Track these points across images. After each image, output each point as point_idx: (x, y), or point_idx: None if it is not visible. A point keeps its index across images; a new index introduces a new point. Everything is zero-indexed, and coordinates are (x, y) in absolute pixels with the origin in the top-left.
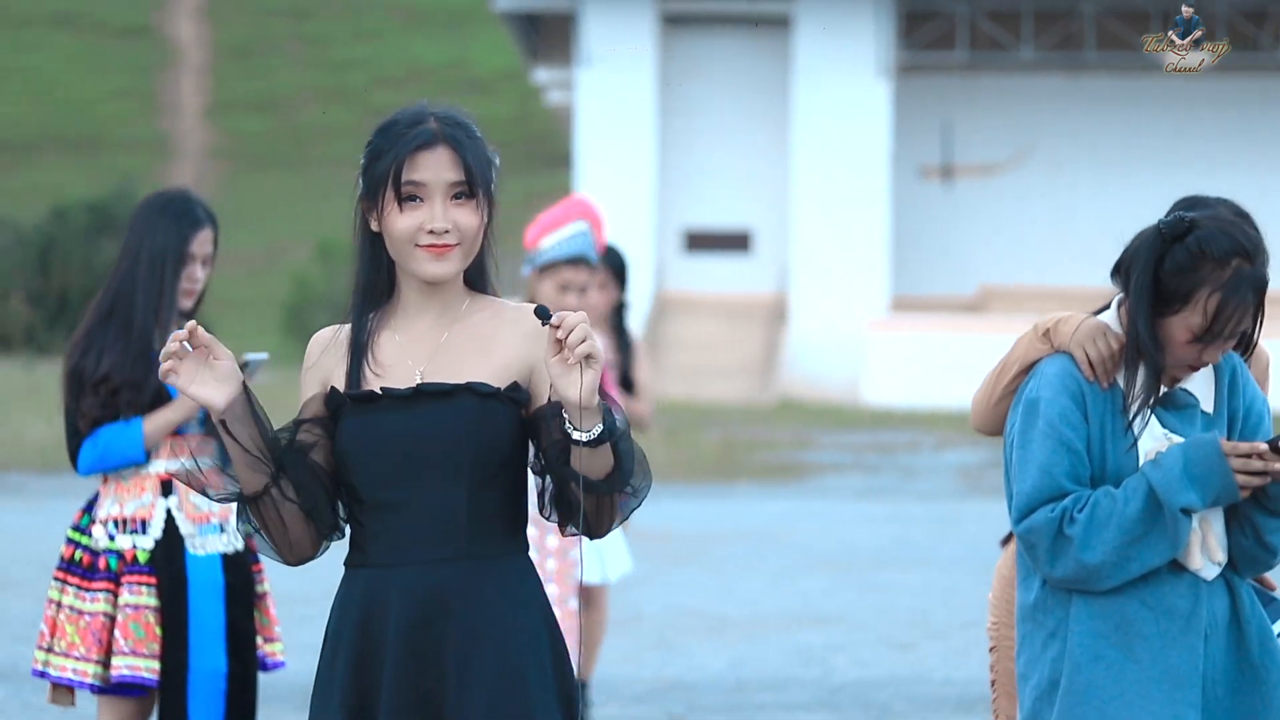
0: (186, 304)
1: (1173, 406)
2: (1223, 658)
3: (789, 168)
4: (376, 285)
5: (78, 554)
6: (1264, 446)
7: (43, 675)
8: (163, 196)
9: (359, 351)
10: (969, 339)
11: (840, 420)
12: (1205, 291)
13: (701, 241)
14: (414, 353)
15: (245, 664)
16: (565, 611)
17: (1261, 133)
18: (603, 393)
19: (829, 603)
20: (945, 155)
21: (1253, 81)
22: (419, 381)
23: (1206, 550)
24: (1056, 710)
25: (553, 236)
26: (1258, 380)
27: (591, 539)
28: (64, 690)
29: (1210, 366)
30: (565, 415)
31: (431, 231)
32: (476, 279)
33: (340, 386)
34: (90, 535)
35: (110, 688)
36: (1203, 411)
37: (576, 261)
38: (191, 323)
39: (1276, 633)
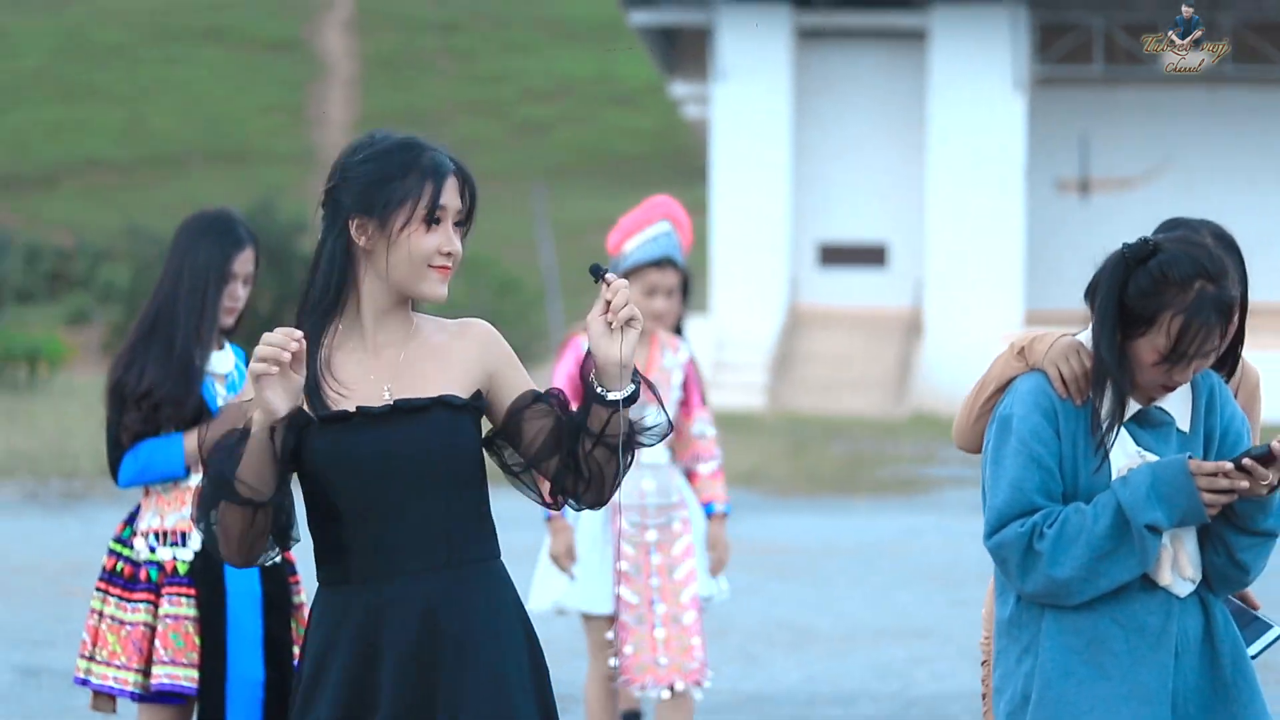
0: (228, 321)
1: (1148, 424)
2: (1195, 675)
3: (924, 181)
4: (326, 302)
5: (119, 565)
6: (1229, 465)
7: (84, 683)
8: (206, 216)
9: (316, 369)
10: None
11: None
12: (1169, 314)
13: (836, 255)
14: (377, 370)
15: (282, 672)
16: (678, 629)
17: None
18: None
19: (920, 617)
20: (1082, 168)
21: None
22: (393, 399)
23: (1177, 567)
24: None
25: (636, 239)
26: (1248, 397)
27: (595, 508)
28: (105, 698)
29: (1188, 385)
30: (594, 380)
31: (448, 254)
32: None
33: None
34: (131, 547)
35: (150, 696)
36: (1179, 430)
37: (662, 263)
38: (299, 334)
39: (1263, 648)
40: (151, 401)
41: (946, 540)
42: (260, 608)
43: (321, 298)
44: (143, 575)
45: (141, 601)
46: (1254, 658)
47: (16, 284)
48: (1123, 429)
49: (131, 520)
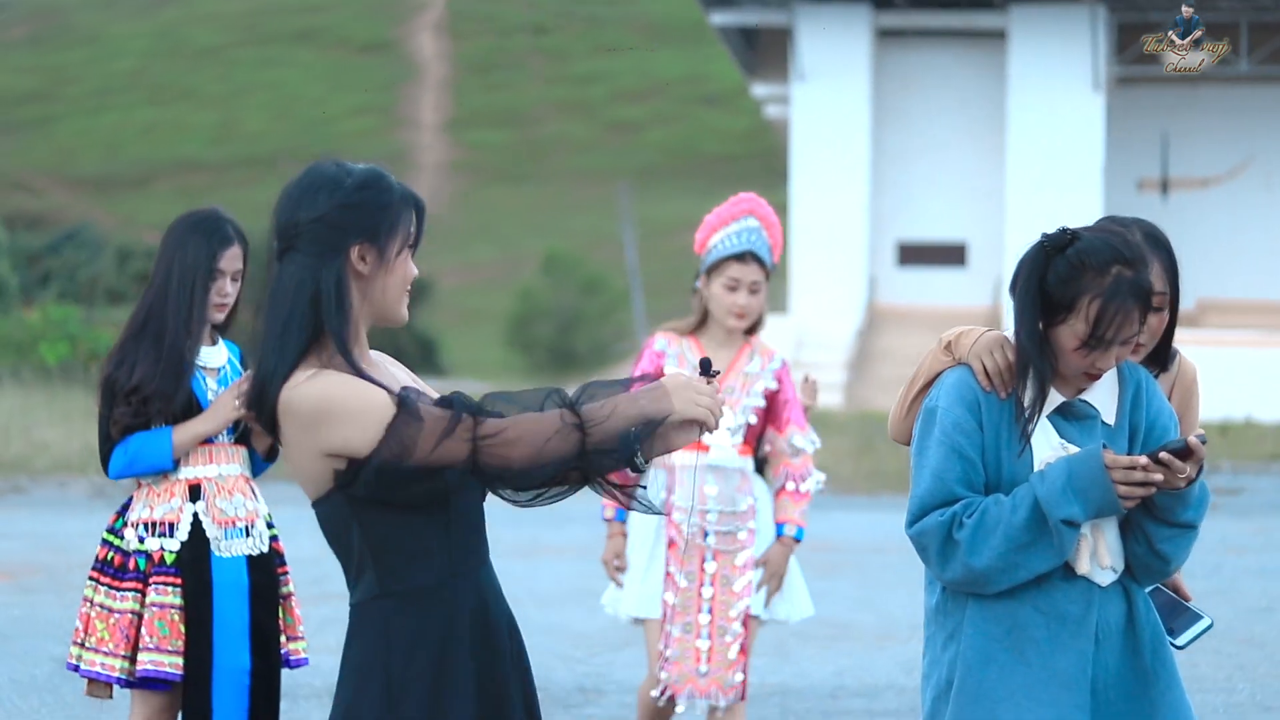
0: (218, 317)
1: (1072, 417)
2: (1116, 662)
3: (1003, 180)
4: (347, 333)
5: (110, 555)
6: (1145, 460)
7: (75, 669)
8: (194, 215)
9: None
10: (1182, 352)
11: None
12: (1087, 298)
13: (915, 254)
14: (389, 382)
15: (269, 661)
16: (722, 642)
17: None
18: None
19: None
20: (1162, 168)
21: None
22: None
23: (1096, 557)
24: (949, 710)
25: (720, 234)
26: (1186, 391)
27: (508, 500)
28: (100, 684)
29: (1115, 380)
30: (639, 444)
31: (411, 280)
32: None
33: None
34: (122, 537)
35: (136, 682)
36: (1104, 423)
37: (745, 257)
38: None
39: (1193, 638)
40: (141, 395)
41: None
42: (247, 598)
43: (344, 322)
44: (131, 565)
45: (130, 590)
46: (1183, 647)
47: (108, 284)
48: (1047, 421)
49: (124, 511)
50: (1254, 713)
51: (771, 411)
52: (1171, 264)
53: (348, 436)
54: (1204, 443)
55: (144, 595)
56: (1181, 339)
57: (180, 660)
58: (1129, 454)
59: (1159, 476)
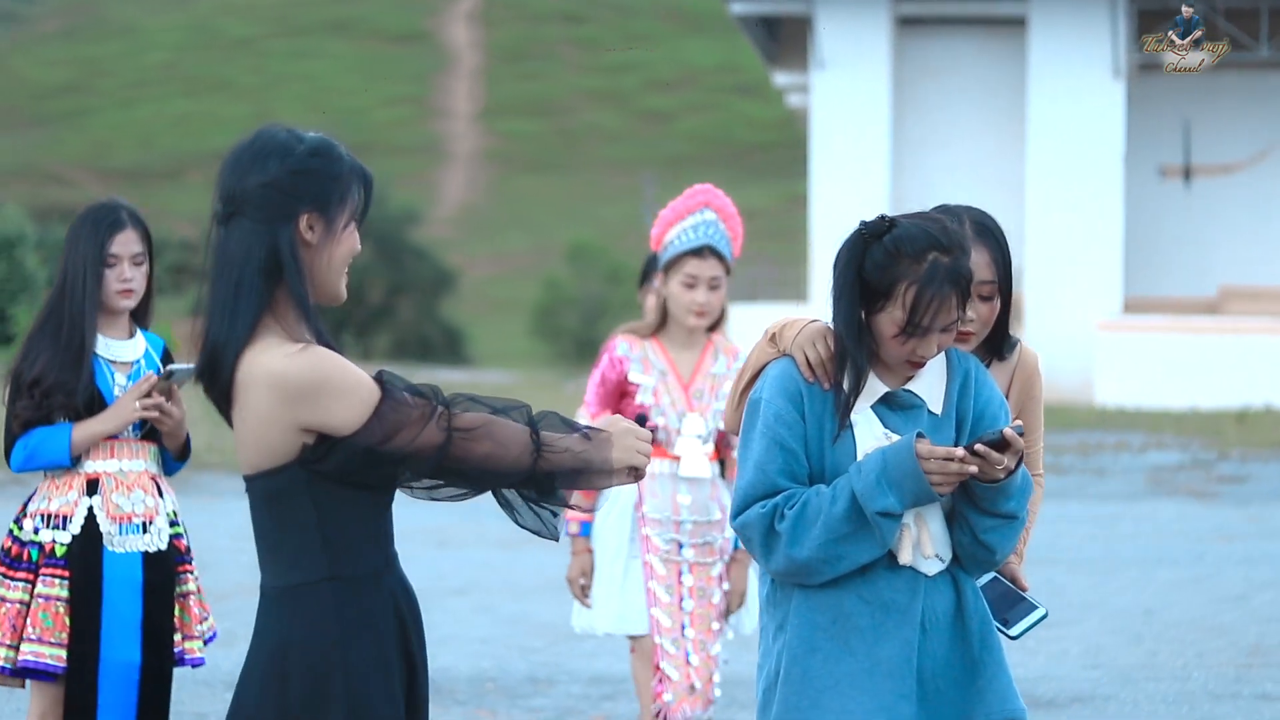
0: (123, 304)
1: (897, 406)
2: (945, 651)
3: (1024, 169)
4: (309, 304)
5: (10, 545)
6: (961, 451)
7: None
8: (89, 207)
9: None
10: (1202, 340)
11: (1063, 420)
12: (903, 285)
13: None
14: None
15: (161, 658)
16: (706, 656)
17: None
18: None
19: None
20: (1184, 155)
21: None
22: None
23: (920, 547)
24: (777, 700)
25: (676, 229)
26: (1026, 380)
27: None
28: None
29: (944, 369)
30: (582, 493)
31: (354, 255)
32: None
33: None
34: (22, 528)
35: (19, 671)
36: (930, 412)
37: (702, 252)
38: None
39: (1027, 628)
40: (42, 389)
41: None
42: (140, 593)
43: (306, 293)
44: (25, 555)
45: (20, 580)
46: (1017, 638)
47: None
48: (871, 411)
49: (29, 503)
50: (1204, 701)
51: None
52: (1002, 253)
53: (334, 413)
54: (1021, 434)
55: (34, 586)
56: (1203, 326)
57: (63, 653)
58: (956, 443)
59: (973, 468)
